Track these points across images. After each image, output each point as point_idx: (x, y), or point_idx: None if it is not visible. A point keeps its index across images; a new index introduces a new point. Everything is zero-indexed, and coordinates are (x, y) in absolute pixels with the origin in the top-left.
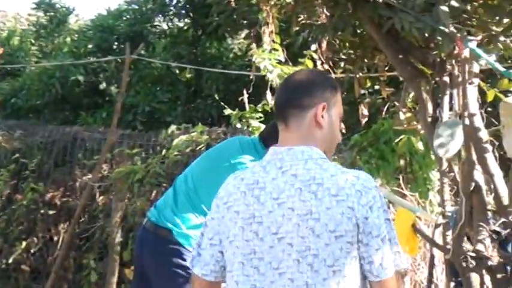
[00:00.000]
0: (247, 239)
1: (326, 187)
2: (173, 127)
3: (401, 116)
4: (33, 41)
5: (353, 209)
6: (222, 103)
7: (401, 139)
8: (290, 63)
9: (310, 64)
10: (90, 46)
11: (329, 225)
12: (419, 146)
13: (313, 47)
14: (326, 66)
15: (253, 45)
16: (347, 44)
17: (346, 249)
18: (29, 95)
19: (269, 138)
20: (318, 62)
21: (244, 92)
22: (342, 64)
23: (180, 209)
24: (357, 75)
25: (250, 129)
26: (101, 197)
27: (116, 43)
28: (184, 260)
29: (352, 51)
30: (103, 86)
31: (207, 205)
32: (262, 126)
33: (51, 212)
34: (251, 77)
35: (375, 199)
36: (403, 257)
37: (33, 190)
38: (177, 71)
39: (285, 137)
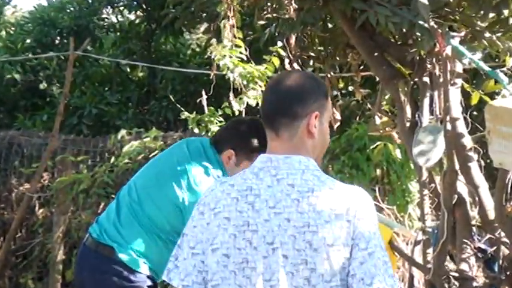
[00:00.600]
0: (239, 247)
1: (325, 200)
2: (123, 132)
3: (377, 121)
4: None
5: (351, 222)
6: (179, 105)
7: (377, 146)
8: (253, 62)
9: (276, 62)
10: (28, 41)
11: (327, 239)
12: (397, 153)
13: (280, 43)
14: (294, 65)
15: (213, 41)
16: (317, 41)
17: (343, 265)
18: None
19: (223, 143)
20: (286, 61)
21: (203, 93)
22: (312, 62)
23: (123, 224)
24: (328, 75)
25: (209, 134)
26: (41, 210)
27: (58, 38)
28: (129, 281)
29: (322, 48)
30: (43, 85)
31: (152, 218)
32: None
33: None
34: (211, 77)
35: (369, 213)
36: (390, 280)
37: None
38: (128, 69)
39: (275, 146)
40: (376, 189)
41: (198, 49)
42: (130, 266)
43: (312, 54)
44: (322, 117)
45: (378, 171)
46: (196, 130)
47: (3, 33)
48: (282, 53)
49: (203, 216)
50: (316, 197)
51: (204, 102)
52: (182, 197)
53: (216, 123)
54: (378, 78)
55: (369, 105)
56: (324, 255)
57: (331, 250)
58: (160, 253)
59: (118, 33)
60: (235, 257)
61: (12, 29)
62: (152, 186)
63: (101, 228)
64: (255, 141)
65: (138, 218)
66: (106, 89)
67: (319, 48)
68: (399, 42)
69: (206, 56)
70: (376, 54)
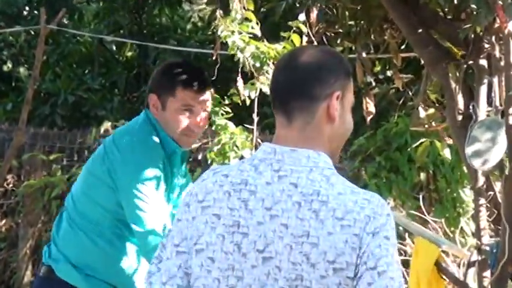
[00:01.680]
0: (226, 250)
1: (331, 207)
2: (107, 124)
3: (422, 113)
4: None
5: (359, 237)
6: None
7: (421, 144)
8: (267, 39)
9: (296, 40)
10: None
11: (328, 254)
12: (446, 154)
13: (301, 17)
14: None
15: (219, 13)
16: (347, 14)
17: (345, 286)
18: None
19: (147, 95)
20: (306, 38)
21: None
22: (340, 41)
23: (61, 237)
24: (361, 57)
25: (213, 127)
26: (4, 220)
27: (26, 8)
28: None
29: (353, 23)
30: (8, 67)
31: (87, 214)
32: (230, 124)
33: None
34: (215, 57)
35: (382, 227)
36: None
37: None
38: (114, 48)
39: (285, 134)
40: (420, 197)
41: (200, 23)
42: (72, 283)
43: (340, 30)
44: (344, 99)
45: (422, 176)
46: None
47: None
48: (303, 29)
49: (188, 208)
50: (321, 202)
51: None
52: (106, 167)
53: (223, 114)
54: (422, 61)
55: (411, 94)
56: (323, 272)
57: (331, 267)
58: (107, 258)
59: (101, 3)
60: (221, 262)
61: None
62: (84, 188)
63: (48, 244)
64: (175, 75)
65: (75, 222)
66: (86, 71)
67: (349, 23)
68: (449, 17)
69: (210, 32)
70: (420, 31)
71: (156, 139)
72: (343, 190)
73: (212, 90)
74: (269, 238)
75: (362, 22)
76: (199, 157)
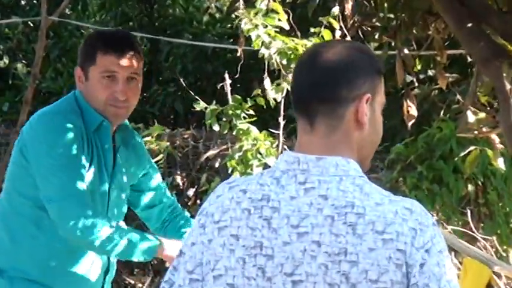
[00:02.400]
0: (248, 275)
1: (369, 220)
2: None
3: (470, 117)
4: None
5: (404, 252)
6: (191, 92)
7: (469, 153)
8: (298, 34)
9: (328, 35)
10: None
11: (370, 273)
12: (499, 163)
13: (334, 9)
14: (350, 39)
15: (240, 4)
16: (385, 5)
17: None
18: None
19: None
20: (340, 33)
21: (226, 75)
22: (378, 36)
23: None
24: (401, 53)
25: (234, 132)
26: None
27: None
28: None
29: (393, 16)
30: (4, 62)
31: (10, 200)
32: (253, 129)
33: None
34: (237, 53)
35: (433, 240)
36: None
37: None
38: None
39: (308, 140)
40: (468, 212)
41: (218, 15)
42: None
43: (378, 24)
44: (374, 101)
45: (471, 188)
46: (216, 126)
47: None
48: (335, 24)
49: (204, 230)
50: (357, 215)
51: (228, 89)
52: (19, 147)
53: (244, 117)
54: (470, 59)
55: (458, 96)
56: None
57: (374, 287)
58: (38, 249)
59: None
60: None
61: None
62: (7, 189)
63: None
64: (96, 41)
65: (3, 221)
66: None
67: (388, 15)
68: (504, 9)
69: (230, 25)
70: (470, 25)
71: (74, 115)
72: (380, 200)
73: (138, 56)
74: (298, 259)
75: (403, 15)
76: (217, 165)
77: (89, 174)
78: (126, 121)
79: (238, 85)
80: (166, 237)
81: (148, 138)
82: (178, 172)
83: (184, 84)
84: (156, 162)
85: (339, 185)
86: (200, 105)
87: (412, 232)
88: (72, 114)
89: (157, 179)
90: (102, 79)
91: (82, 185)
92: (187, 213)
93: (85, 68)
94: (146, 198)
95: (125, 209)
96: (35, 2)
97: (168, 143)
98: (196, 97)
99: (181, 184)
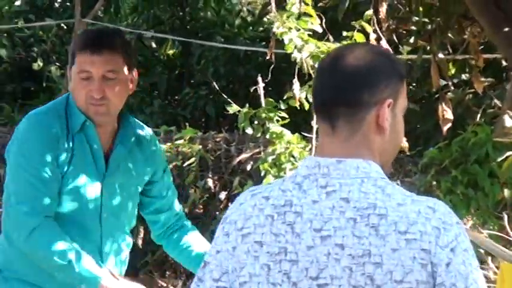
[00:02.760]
0: (274, 281)
1: (391, 220)
2: None
3: (507, 122)
4: None
5: (429, 252)
6: (224, 95)
7: (506, 158)
8: (330, 38)
9: (361, 39)
10: (18, 3)
11: (395, 274)
12: None
13: (367, 12)
14: (383, 43)
15: (272, 7)
16: (420, 9)
17: None
18: None
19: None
20: (373, 36)
21: (259, 78)
22: (412, 39)
23: None
24: (436, 58)
25: (267, 135)
26: None
27: (58, 0)
28: None
29: (427, 20)
30: (38, 65)
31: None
32: (287, 132)
33: None
34: (269, 56)
35: (458, 239)
36: None
37: None
38: (154, 45)
39: (329, 144)
40: (505, 217)
41: (250, 18)
42: None
43: (413, 27)
44: (396, 106)
45: (507, 192)
46: (249, 130)
47: None
48: (368, 28)
49: (228, 238)
50: (379, 216)
51: (261, 92)
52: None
53: (278, 120)
54: (506, 63)
55: (495, 100)
56: None
57: None
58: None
59: None
60: None
61: None
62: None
63: None
64: (76, 43)
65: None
66: None
67: (423, 19)
68: None
69: (262, 28)
70: (507, 29)
71: (55, 116)
72: (402, 200)
73: (118, 53)
74: (322, 263)
75: (438, 19)
76: (248, 168)
77: (69, 176)
78: (136, 122)
79: (270, 88)
80: (168, 245)
81: (180, 141)
82: (210, 175)
83: (216, 87)
84: (188, 165)
85: (361, 187)
86: (233, 107)
87: (436, 231)
88: (54, 114)
89: (169, 186)
90: (80, 79)
91: (41, 189)
92: (190, 224)
93: (70, 68)
94: (156, 203)
95: (131, 209)
96: (68, 4)
97: (200, 146)
98: (229, 100)
99: (212, 187)
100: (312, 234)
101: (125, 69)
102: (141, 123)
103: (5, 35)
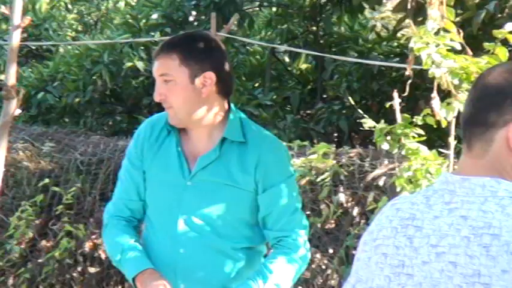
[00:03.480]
0: None
1: (504, 241)
2: None
3: None
4: (69, 6)
5: None
6: (359, 110)
7: None
8: (469, 52)
9: (502, 54)
10: (155, 16)
11: None
12: None
13: (508, 26)
14: None
15: (408, 22)
16: None
17: None
18: (63, 89)
19: None
20: None
21: (395, 94)
22: None
23: None
24: None
25: (403, 152)
26: None
27: (193, 12)
28: None
29: None
30: None
31: None
32: (423, 148)
33: (94, 270)
34: (407, 72)
35: None
36: None
37: (70, 235)
38: (287, 59)
39: (464, 161)
40: None
41: (384, 33)
42: None
43: None
44: None
45: None
46: (385, 145)
47: (122, 4)
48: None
49: (365, 248)
50: (492, 236)
51: (397, 107)
52: None
53: (413, 136)
54: None
55: None
56: None
57: None
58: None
59: (274, 9)
60: None
61: (134, 0)
62: None
63: None
64: None
65: None
66: (256, 84)
67: None
68: None
69: (396, 43)
70: None
71: (149, 122)
72: None
73: (174, 56)
74: (435, 279)
75: None
76: (381, 183)
77: (150, 176)
78: (253, 131)
79: (404, 104)
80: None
81: (314, 156)
82: (342, 190)
83: (353, 102)
84: (322, 180)
85: (482, 205)
86: (368, 123)
87: None
88: (150, 121)
89: (272, 205)
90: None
91: (126, 183)
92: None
93: None
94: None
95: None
96: (203, 17)
97: (334, 162)
98: (363, 115)
99: (345, 203)
100: (428, 250)
101: (183, 72)
102: (266, 133)
103: (142, 47)
